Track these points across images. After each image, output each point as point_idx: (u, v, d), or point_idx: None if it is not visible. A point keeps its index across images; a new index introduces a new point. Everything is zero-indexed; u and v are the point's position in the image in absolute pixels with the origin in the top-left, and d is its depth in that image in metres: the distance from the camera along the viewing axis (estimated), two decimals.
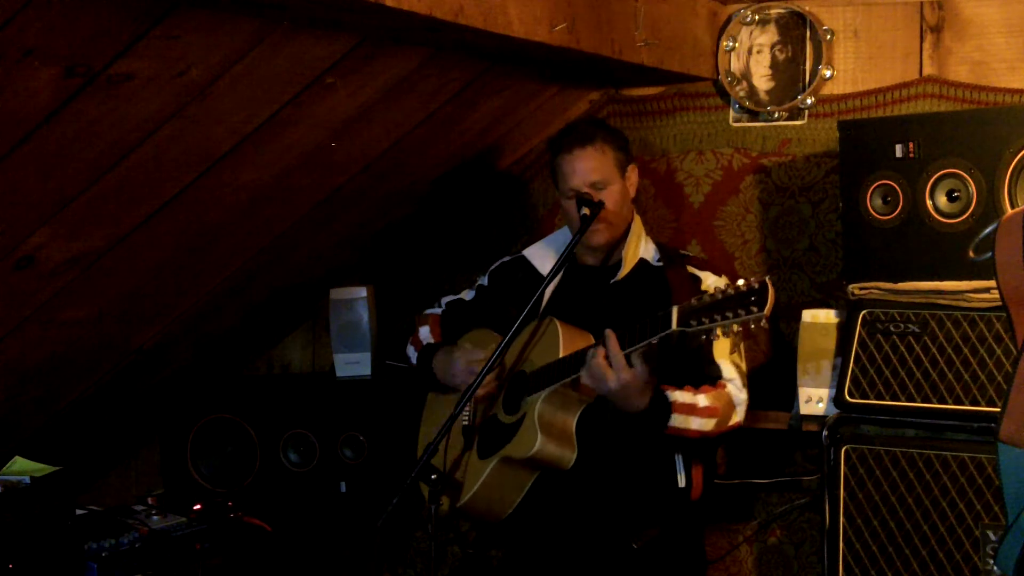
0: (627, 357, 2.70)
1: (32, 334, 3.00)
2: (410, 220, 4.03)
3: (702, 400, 2.87)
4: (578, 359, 2.81)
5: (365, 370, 3.85)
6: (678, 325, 2.59)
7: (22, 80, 2.12)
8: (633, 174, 3.13)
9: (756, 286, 2.49)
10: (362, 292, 3.85)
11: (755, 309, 2.48)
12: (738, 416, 2.97)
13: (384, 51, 2.70)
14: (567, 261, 3.01)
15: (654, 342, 2.67)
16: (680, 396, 2.85)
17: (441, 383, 3.17)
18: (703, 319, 2.56)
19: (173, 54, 2.28)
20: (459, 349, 3.11)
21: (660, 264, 3.06)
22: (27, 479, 2.89)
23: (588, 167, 3.01)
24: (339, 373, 3.87)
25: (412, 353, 3.31)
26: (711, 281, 3.02)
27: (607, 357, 2.71)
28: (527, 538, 3.05)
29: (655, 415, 2.81)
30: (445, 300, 3.36)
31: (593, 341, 2.87)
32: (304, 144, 2.96)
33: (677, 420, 2.84)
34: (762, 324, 2.50)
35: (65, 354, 3.22)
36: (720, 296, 2.54)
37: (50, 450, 3.22)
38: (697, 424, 2.86)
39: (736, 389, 2.96)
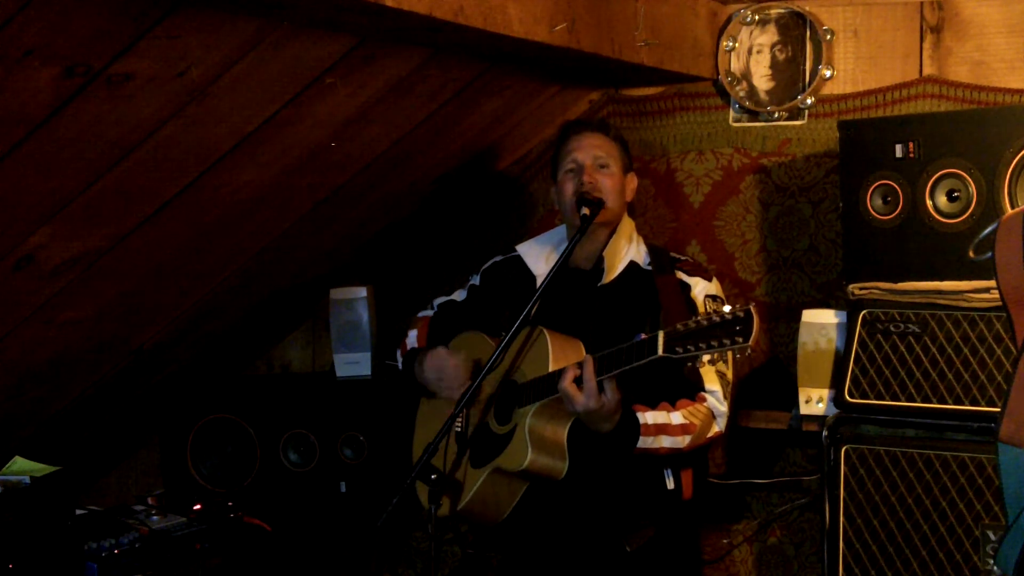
0: (600, 383, 2.70)
1: (32, 334, 3.00)
2: (410, 220, 4.03)
3: (676, 418, 2.86)
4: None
5: (365, 370, 3.85)
6: (664, 351, 2.58)
7: (22, 80, 2.12)
8: (632, 182, 3.15)
9: (741, 315, 2.49)
10: (362, 292, 3.86)
11: (740, 339, 2.49)
12: (717, 427, 2.95)
13: (384, 51, 2.70)
14: (562, 263, 2.99)
15: (638, 366, 2.66)
16: (652, 417, 2.84)
17: (424, 388, 3.18)
18: (688, 346, 2.55)
19: (173, 54, 2.28)
20: (435, 354, 3.10)
21: (650, 268, 3.05)
22: (27, 479, 2.89)
23: (595, 144, 3.07)
24: (339, 373, 3.87)
25: (399, 358, 3.30)
26: (701, 288, 3.00)
27: (577, 380, 2.72)
28: (523, 542, 3.05)
29: (622, 437, 2.81)
30: (437, 302, 3.34)
31: (582, 349, 2.87)
32: (304, 144, 2.96)
33: (645, 442, 2.83)
34: (747, 353, 2.51)
35: (65, 354, 3.21)
36: (706, 323, 2.53)
37: (50, 450, 3.22)
38: (669, 443, 2.85)
39: (717, 401, 2.94)
